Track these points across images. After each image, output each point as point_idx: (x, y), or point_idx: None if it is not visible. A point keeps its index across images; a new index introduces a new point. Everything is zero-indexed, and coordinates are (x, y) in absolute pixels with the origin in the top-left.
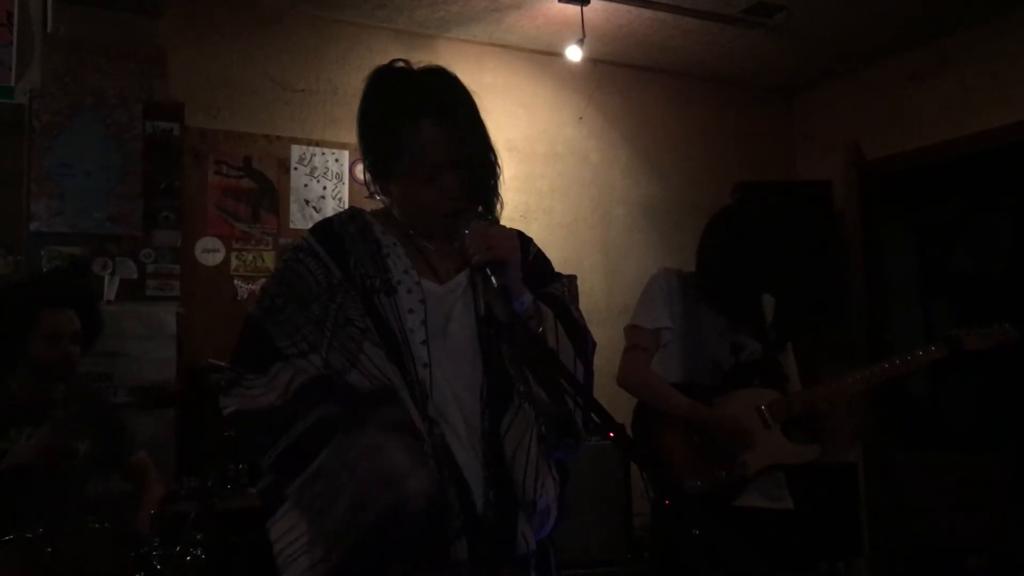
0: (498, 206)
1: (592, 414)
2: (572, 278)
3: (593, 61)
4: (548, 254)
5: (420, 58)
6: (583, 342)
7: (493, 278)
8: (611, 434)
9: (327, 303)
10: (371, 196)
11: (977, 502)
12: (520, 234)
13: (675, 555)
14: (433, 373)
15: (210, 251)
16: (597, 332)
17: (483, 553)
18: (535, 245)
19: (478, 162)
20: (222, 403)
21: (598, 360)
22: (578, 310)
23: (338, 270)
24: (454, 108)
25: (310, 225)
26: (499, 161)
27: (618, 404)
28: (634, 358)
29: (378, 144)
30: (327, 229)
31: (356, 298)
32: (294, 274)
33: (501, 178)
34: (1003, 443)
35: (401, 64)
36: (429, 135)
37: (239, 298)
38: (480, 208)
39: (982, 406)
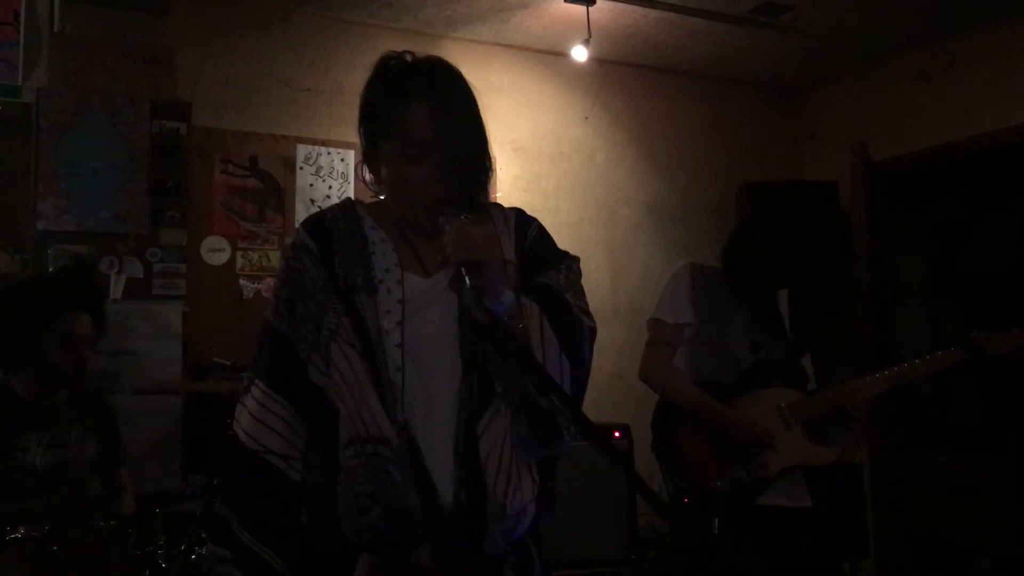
0: (484, 200)
1: (576, 423)
2: (575, 260)
3: (599, 61)
4: None
5: None
6: (573, 337)
7: (467, 278)
8: (607, 446)
9: (323, 300)
10: (375, 196)
11: (984, 502)
12: (519, 214)
13: (694, 555)
14: (407, 376)
15: (216, 250)
16: (602, 332)
17: (451, 553)
18: (536, 226)
19: (467, 150)
20: (237, 412)
21: (604, 360)
22: (580, 294)
23: (324, 267)
24: (447, 91)
25: None
26: (493, 159)
27: (622, 403)
28: (656, 353)
29: (369, 124)
30: (319, 223)
31: (333, 298)
32: (294, 271)
33: (494, 177)
34: (1011, 443)
35: (407, 56)
36: (417, 113)
37: (245, 297)
38: (464, 201)
39: (989, 406)
